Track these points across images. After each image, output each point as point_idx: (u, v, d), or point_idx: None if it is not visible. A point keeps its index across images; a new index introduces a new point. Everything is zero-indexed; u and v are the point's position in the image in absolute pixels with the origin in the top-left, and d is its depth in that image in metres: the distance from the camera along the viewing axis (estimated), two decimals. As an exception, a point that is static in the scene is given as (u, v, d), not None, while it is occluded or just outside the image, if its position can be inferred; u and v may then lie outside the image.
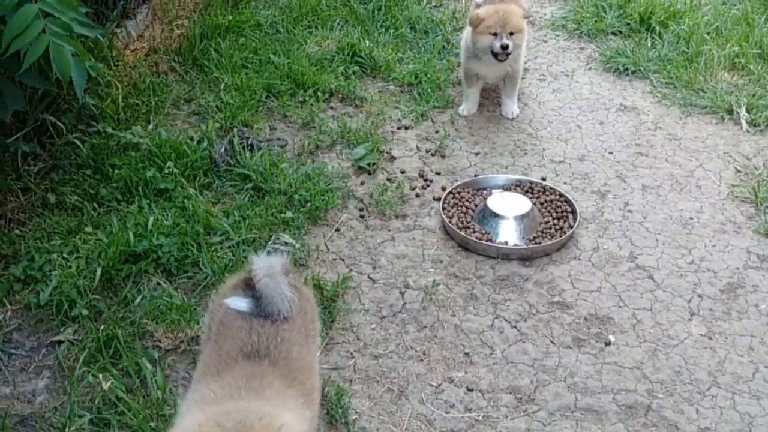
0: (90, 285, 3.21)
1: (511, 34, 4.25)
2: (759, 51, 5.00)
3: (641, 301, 3.32)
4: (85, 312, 3.11)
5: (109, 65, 4.38)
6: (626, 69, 5.00)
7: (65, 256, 3.35)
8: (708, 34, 5.19)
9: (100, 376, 2.78)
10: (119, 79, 4.39)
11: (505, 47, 4.26)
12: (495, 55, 4.31)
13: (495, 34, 4.27)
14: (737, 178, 4.04)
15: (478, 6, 4.71)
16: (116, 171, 3.80)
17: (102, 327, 3.01)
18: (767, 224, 3.68)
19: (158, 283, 3.27)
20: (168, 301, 3.12)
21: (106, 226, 3.49)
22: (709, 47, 5.01)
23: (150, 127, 4.20)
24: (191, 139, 4.10)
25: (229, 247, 3.47)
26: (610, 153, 4.26)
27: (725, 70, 4.89)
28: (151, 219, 3.47)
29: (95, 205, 3.66)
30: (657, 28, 5.33)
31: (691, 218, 3.78)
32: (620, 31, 5.44)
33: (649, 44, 5.23)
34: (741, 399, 2.89)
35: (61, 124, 3.83)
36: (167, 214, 3.57)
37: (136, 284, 3.27)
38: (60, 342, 3.03)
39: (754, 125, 4.42)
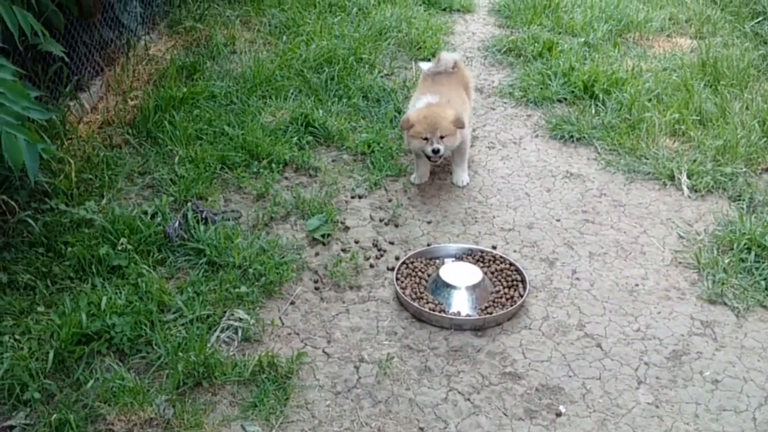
0: (42, 367, 3.19)
1: (443, 137, 4.36)
2: (698, 117, 5.20)
3: (590, 370, 3.39)
4: (37, 395, 3.08)
5: (62, 141, 4.40)
6: (571, 136, 5.16)
7: (17, 337, 3.33)
8: (649, 101, 5.39)
9: (52, 466, 2.76)
10: (72, 153, 4.42)
11: (436, 151, 4.38)
12: (428, 157, 4.45)
13: (426, 139, 4.38)
14: (680, 244, 4.18)
15: (426, 77, 4.86)
16: (69, 248, 3.80)
17: (54, 411, 2.99)
18: (710, 290, 3.80)
19: (111, 365, 3.25)
20: (120, 384, 3.11)
21: (59, 305, 3.48)
22: (651, 114, 5.20)
23: (103, 202, 4.22)
24: (145, 213, 4.12)
25: (183, 324, 3.47)
26: (558, 220, 4.38)
27: (666, 137, 5.07)
28: (105, 298, 3.46)
29: (48, 283, 3.65)
30: (600, 95, 5.52)
31: (637, 285, 3.89)
32: (565, 99, 5.62)
33: (593, 111, 5.41)
34: (688, 467, 2.96)
35: (13, 203, 3.83)
36: (120, 293, 3.57)
37: (88, 365, 3.26)
38: (12, 427, 3.00)
39: (695, 191, 4.58)
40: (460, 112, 4.46)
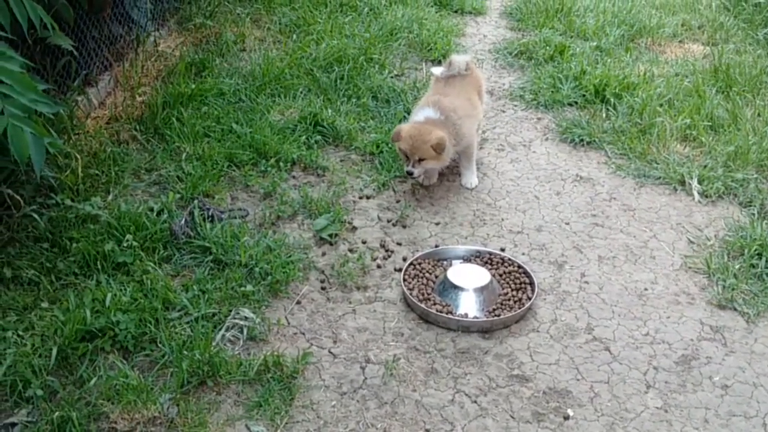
0: (45, 364, 3.16)
1: (421, 160, 4.34)
2: (710, 123, 5.15)
3: (598, 373, 3.35)
4: (39, 392, 3.05)
5: (69, 136, 4.38)
6: (582, 140, 5.12)
7: (20, 333, 3.30)
8: (661, 106, 5.34)
9: (53, 462, 2.73)
10: (79, 148, 4.39)
11: (410, 174, 4.40)
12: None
13: (407, 158, 4.38)
14: (690, 249, 4.13)
15: (438, 80, 4.82)
16: (74, 244, 3.77)
17: (57, 409, 2.96)
18: (719, 295, 3.76)
19: (114, 362, 3.23)
20: (124, 382, 3.08)
21: (63, 302, 3.46)
22: (662, 119, 5.16)
23: (109, 198, 4.19)
24: (151, 210, 4.09)
25: (188, 322, 3.45)
26: (567, 224, 4.33)
27: (677, 142, 5.03)
28: (109, 295, 3.44)
29: (52, 279, 3.63)
30: (611, 99, 5.48)
31: (646, 289, 3.85)
32: (576, 102, 5.58)
33: (604, 115, 5.36)
34: (698, 474, 2.92)
35: (18, 197, 3.80)
36: (125, 289, 3.54)
37: (92, 362, 3.23)
38: (14, 424, 2.97)
39: (706, 196, 4.54)
40: (443, 135, 4.34)
